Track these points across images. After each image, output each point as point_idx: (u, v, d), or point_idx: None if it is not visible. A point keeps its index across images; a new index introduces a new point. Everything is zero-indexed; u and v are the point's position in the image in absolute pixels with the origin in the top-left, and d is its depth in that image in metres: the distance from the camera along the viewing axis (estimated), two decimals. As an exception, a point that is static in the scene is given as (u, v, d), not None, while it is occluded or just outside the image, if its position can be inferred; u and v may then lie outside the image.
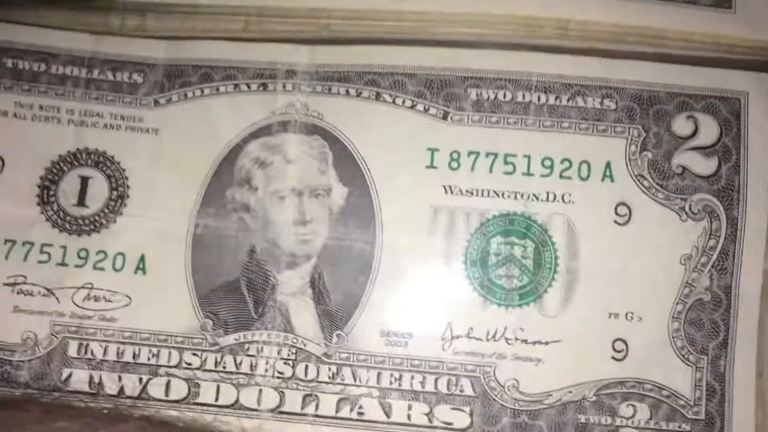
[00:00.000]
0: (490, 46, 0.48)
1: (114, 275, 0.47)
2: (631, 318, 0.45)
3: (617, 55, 0.47)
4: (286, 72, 0.48)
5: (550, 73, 0.47)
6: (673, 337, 0.45)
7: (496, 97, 0.47)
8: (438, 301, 0.46)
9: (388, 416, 0.45)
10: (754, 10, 0.48)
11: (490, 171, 0.47)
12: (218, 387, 0.46)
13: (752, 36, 0.47)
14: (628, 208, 0.46)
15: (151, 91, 0.48)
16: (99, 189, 0.48)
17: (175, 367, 0.46)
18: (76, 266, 0.47)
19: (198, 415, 0.45)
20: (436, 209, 0.47)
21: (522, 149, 0.47)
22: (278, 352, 0.46)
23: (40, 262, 0.47)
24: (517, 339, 0.45)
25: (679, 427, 0.44)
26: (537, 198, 0.46)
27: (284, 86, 0.48)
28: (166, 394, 0.46)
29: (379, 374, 0.45)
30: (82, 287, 0.47)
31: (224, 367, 0.46)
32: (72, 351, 0.46)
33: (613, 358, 0.45)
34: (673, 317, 0.45)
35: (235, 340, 0.46)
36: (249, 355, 0.46)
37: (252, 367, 0.46)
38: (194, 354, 0.46)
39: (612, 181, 0.46)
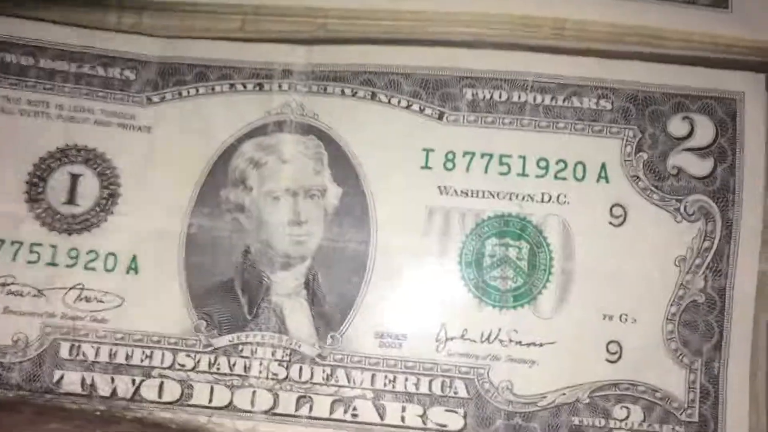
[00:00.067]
0: (486, 46, 0.47)
1: (106, 275, 0.46)
2: (626, 320, 0.45)
3: (614, 55, 0.47)
4: (282, 72, 0.48)
5: (547, 73, 0.47)
6: (667, 339, 0.45)
7: (491, 97, 0.47)
8: (432, 303, 0.46)
9: (382, 418, 0.45)
10: (751, 9, 0.47)
11: (486, 171, 0.47)
12: (212, 388, 0.45)
13: (749, 36, 0.47)
14: (623, 209, 0.46)
15: (144, 89, 0.48)
16: (89, 187, 0.47)
17: (169, 368, 0.46)
18: (67, 266, 0.46)
19: (191, 417, 0.45)
20: (431, 210, 0.46)
21: (517, 150, 0.47)
22: (272, 354, 0.46)
23: (29, 262, 0.46)
24: (511, 341, 0.45)
25: (673, 429, 0.44)
26: (532, 199, 0.46)
27: (280, 86, 0.48)
28: (160, 396, 0.45)
29: (373, 376, 0.45)
30: (73, 288, 0.46)
31: (218, 369, 0.46)
32: (64, 352, 0.46)
33: (607, 360, 0.45)
34: (667, 319, 0.45)
35: (229, 341, 0.46)
36: (243, 357, 0.46)
37: (246, 368, 0.46)
38: (188, 355, 0.46)
39: (607, 182, 0.46)
